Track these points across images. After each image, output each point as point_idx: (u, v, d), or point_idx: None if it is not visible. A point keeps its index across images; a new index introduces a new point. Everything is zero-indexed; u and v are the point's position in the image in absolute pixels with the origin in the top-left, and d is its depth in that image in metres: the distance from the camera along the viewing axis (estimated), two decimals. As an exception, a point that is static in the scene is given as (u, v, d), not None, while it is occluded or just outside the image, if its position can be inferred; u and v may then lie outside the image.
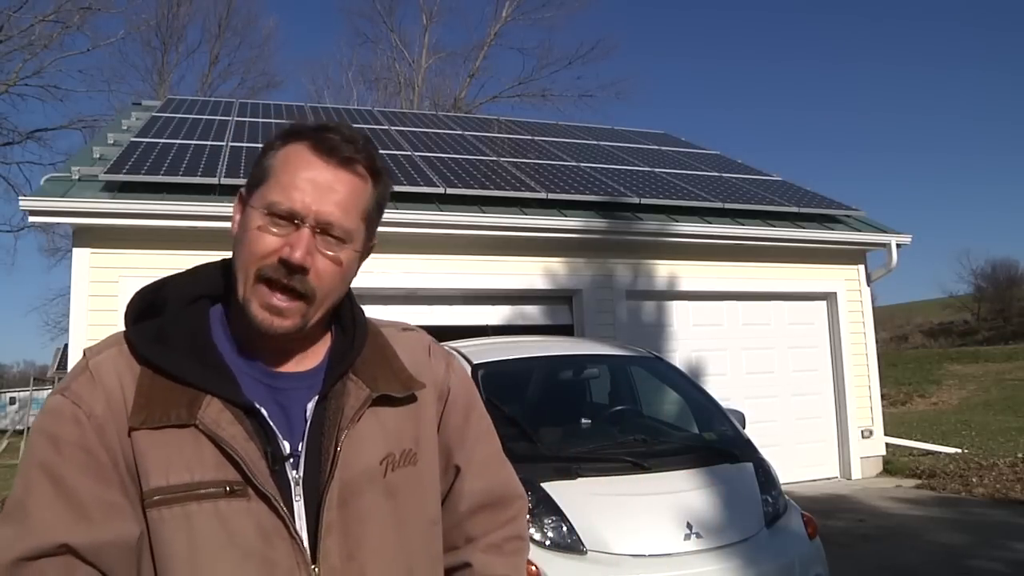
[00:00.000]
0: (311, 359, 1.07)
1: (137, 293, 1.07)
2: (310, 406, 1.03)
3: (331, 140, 1.01)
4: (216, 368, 1.00)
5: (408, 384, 1.10)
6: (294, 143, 1.03)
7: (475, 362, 3.97)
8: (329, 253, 1.00)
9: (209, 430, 0.95)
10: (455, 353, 4.15)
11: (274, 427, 0.99)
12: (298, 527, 0.97)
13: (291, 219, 0.99)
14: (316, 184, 0.99)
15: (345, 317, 1.12)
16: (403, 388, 1.09)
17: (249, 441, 0.96)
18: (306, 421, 1.02)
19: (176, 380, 0.97)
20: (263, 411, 0.99)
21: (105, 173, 6.55)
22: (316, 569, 0.96)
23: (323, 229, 0.99)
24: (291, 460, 0.99)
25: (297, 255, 0.97)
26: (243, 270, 1.00)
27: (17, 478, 0.96)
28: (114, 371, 0.98)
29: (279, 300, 0.99)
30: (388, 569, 1.02)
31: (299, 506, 0.98)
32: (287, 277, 0.98)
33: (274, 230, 0.99)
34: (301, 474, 0.99)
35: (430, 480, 1.11)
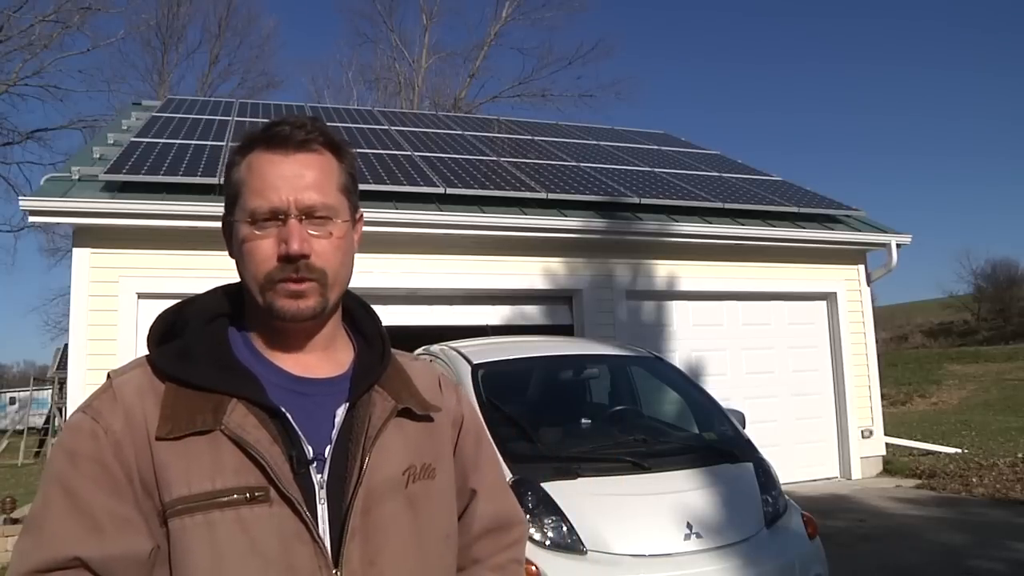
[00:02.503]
0: (335, 367, 1.09)
1: (158, 316, 1.10)
2: (340, 411, 1.04)
3: (281, 133, 1.04)
4: (240, 374, 1.02)
5: (424, 405, 1.13)
6: (251, 152, 1.05)
7: (475, 362, 3.97)
8: (320, 233, 1.03)
9: (234, 434, 0.96)
10: (455, 354, 4.15)
11: (298, 431, 1.00)
12: (321, 531, 0.98)
13: (275, 217, 1.01)
14: (285, 177, 1.02)
15: (369, 330, 1.16)
16: (420, 407, 1.12)
17: (273, 445, 0.98)
18: (334, 426, 1.04)
19: (200, 389, 0.99)
20: (288, 415, 1.00)
21: (105, 173, 6.55)
22: (338, 573, 0.97)
23: (307, 214, 1.02)
24: (315, 464, 1.00)
25: (294, 246, 0.99)
26: (253, 282, 1.03)
27: (38, 491, 0.99)
28: (136, 390, 1.00)
29: (295, 285, 1.02)
30: None
31: (323, 510, 0.99)
32: (294, 271, 1.01)
33: (261, 234, 1.01)
34: (326, 478, 1.00)
35: (446, 496, 1.13)
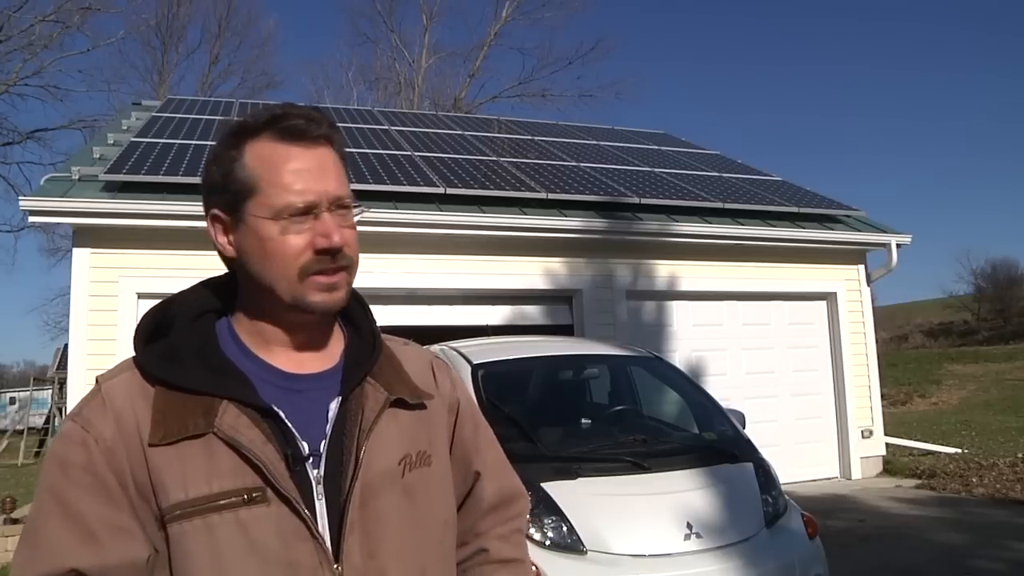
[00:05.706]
0: (326, 360, 1.09)
1: (145, 315, 1.08)
2: (333, 406, 1.04)
3: (297, 125, 1.02)
4: (229, 374, 1.01)
5: (416, 393, 1.12)
6: (256, 140, 1.03)
7: (475, 362, 3.97)
8: (348, 223, 1.05)
9: (227, 436, 0.96)
10: (455, 354, 4.15)
11: (292, 428, 1.00)
12: (320, 527, 0.98)
13: (308, 212, 1.01)
14: (311, 172, 1.02)
15: (360, 320, 1.15)
16: (413, 395, 1.11)
17: (267, 444, 0.97)
18: (328, 421, 1.03)
19: (190, 392, 0.98)
20: (280, 413, 1.00)
21: (105, 173, 6.55)
22: (339, 568, 0.97)
23: (335, 206, 1.03)
24: (311, 460, 1.00)
25: (336, 239, 1.01)
26: (282, 278, 1.01)
27: (33, 501, 0.98)
28: (126, 395, 0.99)
29: (331, 277, 1.02)
30: (406, 568, 1.03)
31: (321, 505, 0.99)
32: (332, 262, 1.02)
33: (295, 228, 1.01)
34: (322, 474, 1.00)
35: (443, 482, 1.14)
